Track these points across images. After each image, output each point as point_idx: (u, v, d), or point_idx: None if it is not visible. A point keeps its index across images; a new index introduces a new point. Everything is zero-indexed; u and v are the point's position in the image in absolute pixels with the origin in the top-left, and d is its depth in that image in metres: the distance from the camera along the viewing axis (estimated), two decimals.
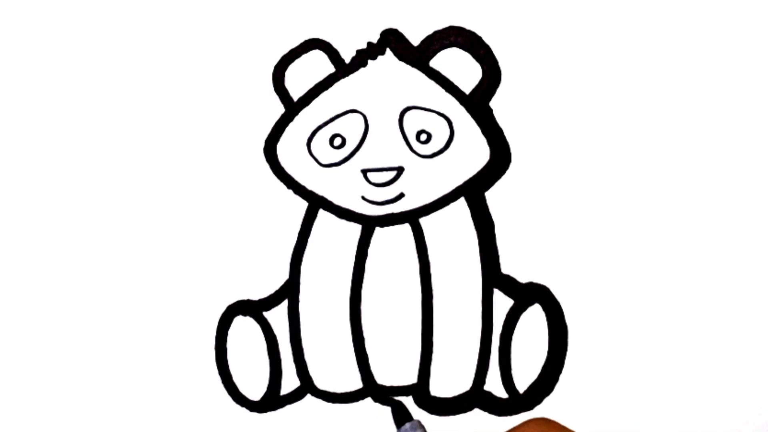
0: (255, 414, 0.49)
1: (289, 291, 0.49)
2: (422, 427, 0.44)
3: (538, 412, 0.47)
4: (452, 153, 0.49)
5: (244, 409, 0.49)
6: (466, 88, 0.49)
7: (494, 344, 0.48)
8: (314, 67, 0.49)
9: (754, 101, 0.48)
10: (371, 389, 0.48)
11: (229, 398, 0.49)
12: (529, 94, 0.48)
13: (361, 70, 0.49)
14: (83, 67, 0.50)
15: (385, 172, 0.49)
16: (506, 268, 0.48)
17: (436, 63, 0.49)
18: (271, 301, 0.49)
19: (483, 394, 0.48)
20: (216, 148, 0.49)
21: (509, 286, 0.48)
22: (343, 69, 0.49)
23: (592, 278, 0.48)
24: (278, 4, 0.49)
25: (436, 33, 0.49)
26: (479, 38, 0.49)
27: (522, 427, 0.41)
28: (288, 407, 0.49)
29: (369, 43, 0.49)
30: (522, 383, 0.47)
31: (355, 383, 0.48)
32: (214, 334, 0.49)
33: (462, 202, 0.49)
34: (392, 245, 0.49)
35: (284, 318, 0.49)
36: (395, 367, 0.48)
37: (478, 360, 0.48)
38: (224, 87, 0.49)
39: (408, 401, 0.48)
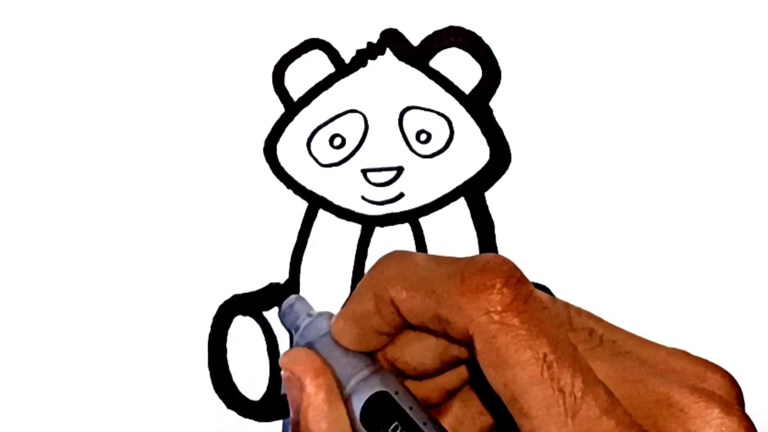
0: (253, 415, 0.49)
1: (289, 291, 0.49)
2: (302, 298, 0.42)
3: None
4: (452, 153, 0.49)
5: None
6: (466, 88, 0.49)
7: None
8: (314, 67, 0.49)
9: (755, 101, 0.48)
10: None
11: (228, 400, 0.49)
12: (529, 94, 0.48)
13: (361, 70, 0.49)
14: (83, 66, 0.50)
15: (384, 172, 0.49)
16: None
17: (436, 63, 0.49)
18: (272, 301, 0.49)
19: None
20: (216, 148, 0.49)
21: None
22: (343, 69, 0.49)
23: (592, 278, 0.47)
24: (278, 4, 0.49)
25: (436, 33, 0.49)
26: (479, 38, 0.49)
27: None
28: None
29: (369, 43, 0.49)
30: None
31: None
32: (213, 334, 0.49)
33: (462, 202, 0.49)
34: (392, 245, 0.49)
35: None
36: None
37: None
38: (224, 87, 0.49)
39: None
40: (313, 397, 0.33)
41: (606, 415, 0.27)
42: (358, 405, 0.33)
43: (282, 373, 0.34)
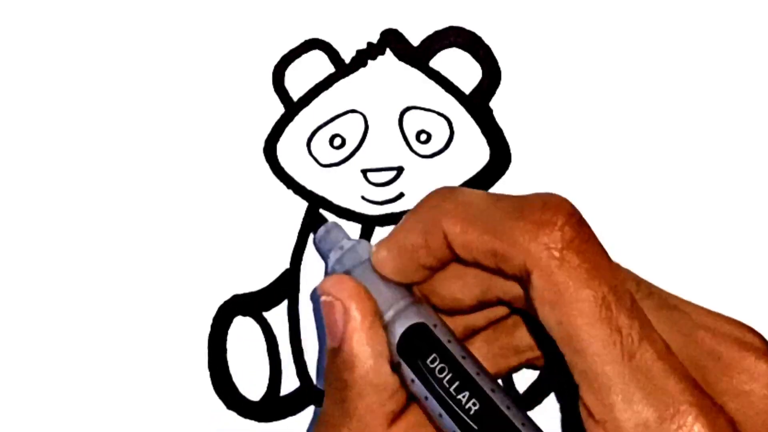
0: (253, 415, 0.49)
1: (289, 291, 0.49)
2: (338, 226, 0.41)
3: (538, 412, 0.47)
4: (452, 153, 0.49)
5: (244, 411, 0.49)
6: (466, 88, 0.49)
7: None
8: (314, 67, 0.49)
9: (756, 101, 0.48)
10: None
11: (228, 401, 0.49)
12: (529, 94, 0.49)
13: (361, 70, 0.49)
14: (82, 66, 0.50)
15: (384, 172, 0.49)
16: None
17: (436, 63, 0.49)
18: (271, 301, 0.49)
19: None
20: (216, 148, 0.49)
21: None
22: (343, 69, 0.49)
23: None
24: (278, 4, 0.49)
25: (436, 33, 0.49)
26: (479, 38, 0.49)
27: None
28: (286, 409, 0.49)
29: (369, 43, 0.49)
30: (522, 383, 0.47)
31: None
32: (213, 334, 0.49)
33: None
34: None
35: (284, 318, 0.49)
36: None
37: None
38: (224, 87, 0.49)
39: None
40: (358, 321, 0.32)
41: (662, 360, 0.26)
42: (396, 335, 0.32)
43: (322, 299, 0.33)
